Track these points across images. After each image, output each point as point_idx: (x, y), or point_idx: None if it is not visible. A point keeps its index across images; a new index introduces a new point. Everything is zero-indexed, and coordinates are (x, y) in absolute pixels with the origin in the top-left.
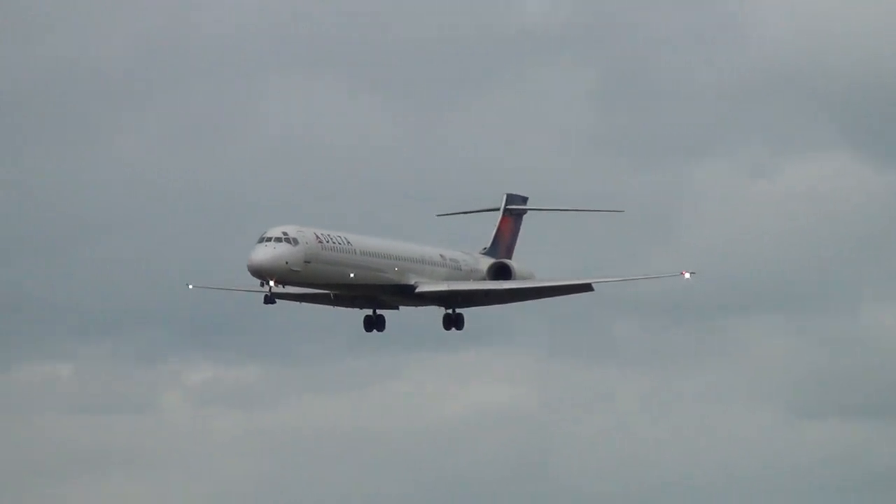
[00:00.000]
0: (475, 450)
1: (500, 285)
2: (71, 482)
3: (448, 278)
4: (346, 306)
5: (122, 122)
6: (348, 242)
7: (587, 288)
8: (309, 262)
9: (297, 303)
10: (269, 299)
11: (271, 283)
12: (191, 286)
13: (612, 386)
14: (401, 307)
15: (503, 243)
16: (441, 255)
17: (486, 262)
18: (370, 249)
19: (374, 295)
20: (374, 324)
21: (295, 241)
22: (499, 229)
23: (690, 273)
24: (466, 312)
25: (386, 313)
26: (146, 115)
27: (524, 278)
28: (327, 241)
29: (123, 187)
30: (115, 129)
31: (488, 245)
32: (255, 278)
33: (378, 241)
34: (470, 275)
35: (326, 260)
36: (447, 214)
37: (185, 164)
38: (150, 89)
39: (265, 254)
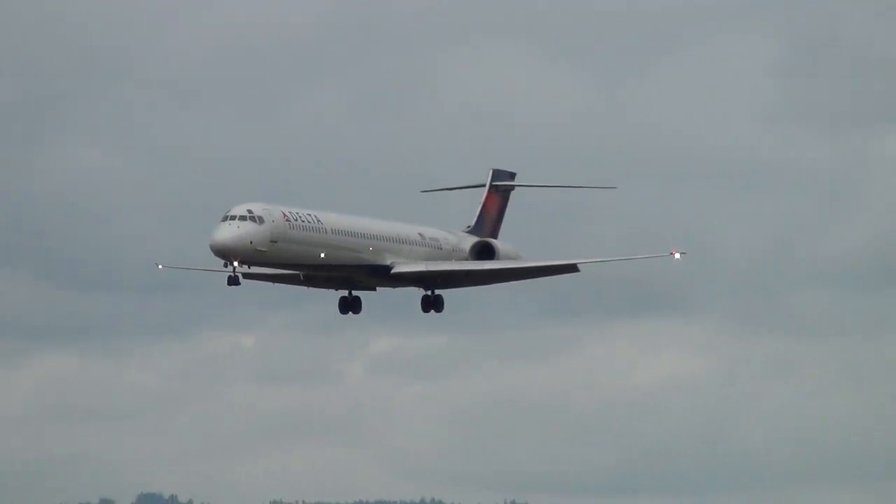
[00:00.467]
0: (657, 419)
1: (481, 266)
2: (255, 450)
3: (427, 258)
4: (321, 287)
5: (312, 89)
6: (318, 221)
7: (572, 269)
8: (275, 242)
9: (270, 283)
10: (234, 280)
11: (235, 263)
12: (160, 266)
13: (797, 355)
14: (378, 288)
15: (488, 221)
16: (420, 234)
17: (469, 242)
18: (342, 228)
19: (347, 276)
20: (349, 305)
21: (260, 220)
22: (484, 206)
23: (681, 253)
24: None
25: (362, 295)
26: (339, 84)
27: (509, 258)
28: (296, 220)
29: (311, 153)
30: (302, 96)
31: (472, 223)
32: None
33: (351, 220)
34: (451, 254)
35: (294, 239)
36: (432, 191)
37: (370, 132)
38: (340, 58)
39: (228, 233)
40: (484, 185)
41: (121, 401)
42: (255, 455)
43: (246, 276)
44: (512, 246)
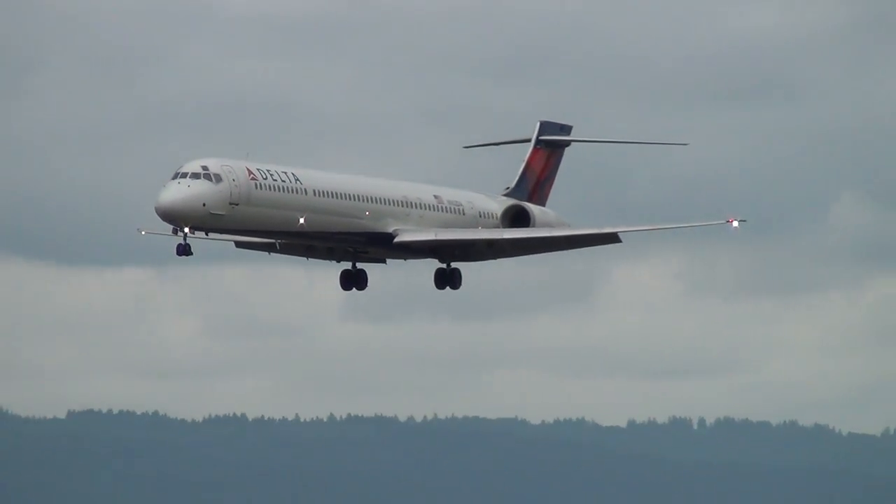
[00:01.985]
0: None
1: (500, 234)
2: None
3: (445, 225)
4: (321, 258)
5: None
6: (296, 179)
7: (613, 238)
8: (237, 205)
9: (265, 253)
10: (184, 249)
11: (186, 229)
12: (143, 232)
13: None
14: (388, 260)
15: (533, 183)
16: (436, 196)
17: (502, 206)
18: (329, 188)
19: (339, 245)
20: (352, 280)
21: (217, 178)
22: (527, 165)
23: (739, 220)
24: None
25: (369, 268)
26: None
27: (548, 226)
28: (265, 178)
29: None
30: None
31: (512, 185)
32: (166, 223)
33: (343, 179)
34: (477, 221)
35: (263, 202)
36: (475, 146)
37: None
38: None
39: (176, 193)
40: (529, 140)
41: None
42: None
43: (239, 245)
44: (554, 212)
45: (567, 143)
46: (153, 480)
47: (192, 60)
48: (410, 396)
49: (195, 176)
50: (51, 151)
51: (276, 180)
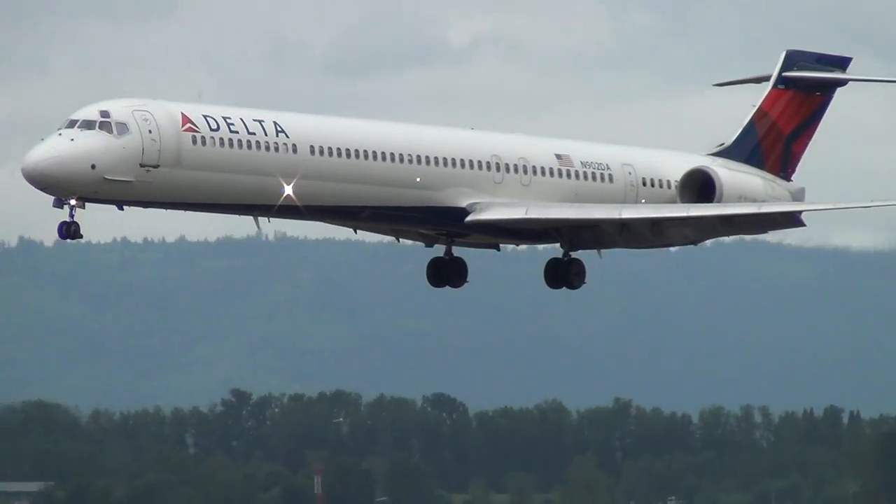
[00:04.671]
0: None
1: (619, 213)
2: None
3: (572, 197)
4: (412, 238)
5: None
6: (279, 130)
7: (789, 221)
8: (156, 167)
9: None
10: (68, 229)
11: (72, 201)
12: None
13: None
14: (501, 247)
15: (765, 139)
16: (558, 156)
17: (683, 171)
18: (341, 144)
19: (376, 225)
20: (443, 272)
21: (122, 129)
22: (759, 113)
23: None
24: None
25: (470, 257)
26: None
27: (744, 201)
28: (214, 129)
29: None
30: None
31: (729, 141)
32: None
33: (369, 128)
34: (635, 193)
35: (206, 163)
36: (724, 84)
37: None
38: None
39: (50, 150)
40: (769, 78)
41: None
42: None
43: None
44: (769, 181)
45: (839, 83)
46: None
47: None
48: None
49: (87, 125)
50: None
51: (235, 132)
